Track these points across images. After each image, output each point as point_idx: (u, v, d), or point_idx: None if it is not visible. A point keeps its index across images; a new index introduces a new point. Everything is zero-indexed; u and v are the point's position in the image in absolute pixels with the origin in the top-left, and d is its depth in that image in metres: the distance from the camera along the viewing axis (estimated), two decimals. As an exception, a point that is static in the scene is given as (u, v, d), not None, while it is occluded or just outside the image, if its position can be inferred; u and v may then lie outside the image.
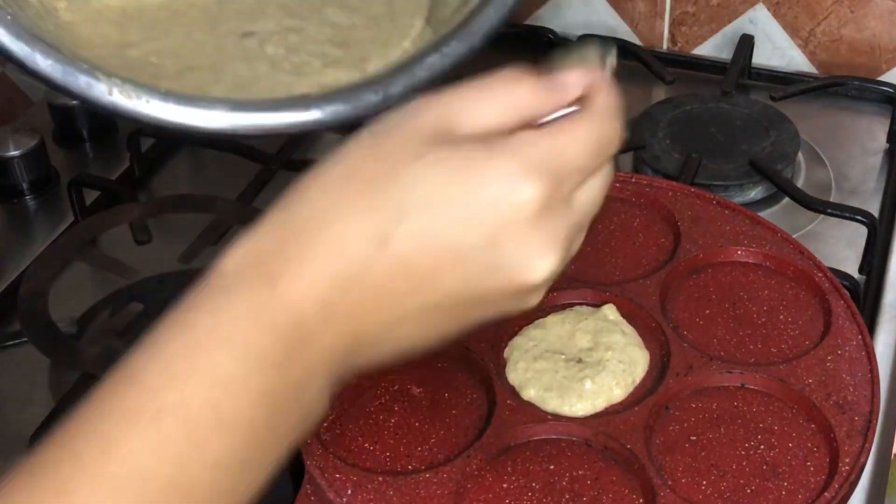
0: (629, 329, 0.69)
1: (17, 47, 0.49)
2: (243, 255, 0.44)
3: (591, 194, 0.48)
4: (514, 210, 0.44)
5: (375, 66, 0.57)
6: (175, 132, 0.52)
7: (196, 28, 0.59)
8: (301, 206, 0.45)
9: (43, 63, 0.50)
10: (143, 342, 0.43)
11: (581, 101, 0.46)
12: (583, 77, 0.47)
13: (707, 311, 0.72)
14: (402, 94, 0.53)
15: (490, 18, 0.54)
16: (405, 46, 0.58)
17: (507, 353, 0.68)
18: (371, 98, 0.52)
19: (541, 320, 0.70)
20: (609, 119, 0.47)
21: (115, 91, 0.50)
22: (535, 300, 0.48)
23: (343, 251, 0.43)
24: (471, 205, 0.44)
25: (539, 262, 0.46)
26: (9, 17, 0.50)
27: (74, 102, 1.02)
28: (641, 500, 0.60)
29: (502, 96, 0.46)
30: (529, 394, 0.65)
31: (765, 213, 0.91)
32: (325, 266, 0.43)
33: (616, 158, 0.49)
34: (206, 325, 0.42)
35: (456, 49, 0.54)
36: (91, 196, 0.94)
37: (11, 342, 0.80)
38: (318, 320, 0.43)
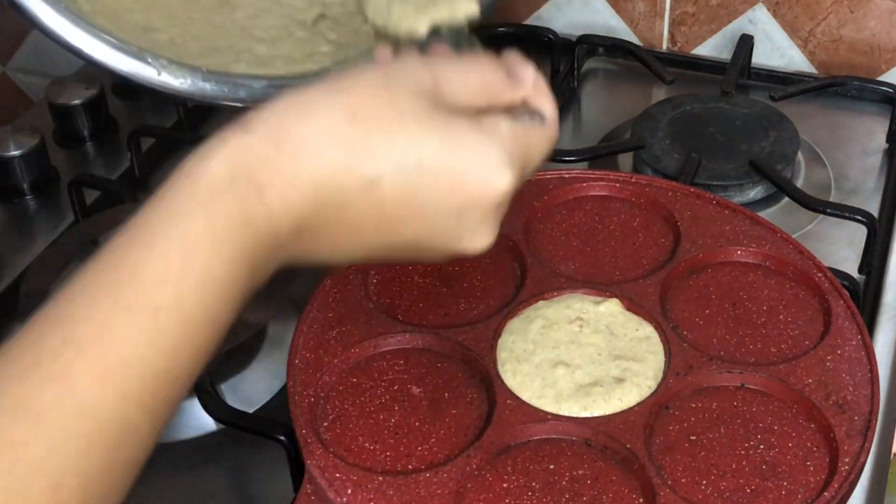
0: (642, 331, 0.69)
1: (75, 36, 0.55)
2: (236, 159, 0.46)
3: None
4: (489, 193, 0.49)
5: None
6: (216, 105, 0.58)
7: (213, 13, 0.63)
8: (299, 124, 0.47)
9: (100, 50, 0.55)
10: (136, 223, 0.44)
11: (534, 101, 0.53)
12: (534, 77, 0.53)
13: (707, 311, 0.72)
14: None
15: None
16: None
17: (498, 350, 0.69)
18: None
19: (535, 310, 0.70)
20: (556, 129, 0.54)
21: (164, 73, 0.56)
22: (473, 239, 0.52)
23: (334, 181, 0.47)
24: (455, 178, 0.48)
25: (483, 238, 0.51)
26: (63, 7, 0.55)
27: (75, 102, 1.02)
28: (641, 500, 0.60)
29: (481, 77, 0.52)
30: (526, 395, 0.66)
31: (765, 213, 0.91)
32: (311, 189, 0.46)
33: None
34: (200, 227, 0.44)
35: None
36: (91, 196, 0.94)
37: (12, 342, 0.80)
38: (289, 235, 0.47)
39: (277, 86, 0.57)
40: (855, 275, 0.85)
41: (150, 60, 0.56)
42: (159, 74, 0.56)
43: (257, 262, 0.46)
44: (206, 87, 0.57)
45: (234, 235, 0.45)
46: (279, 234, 0.46)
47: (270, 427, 0.70)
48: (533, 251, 0.76)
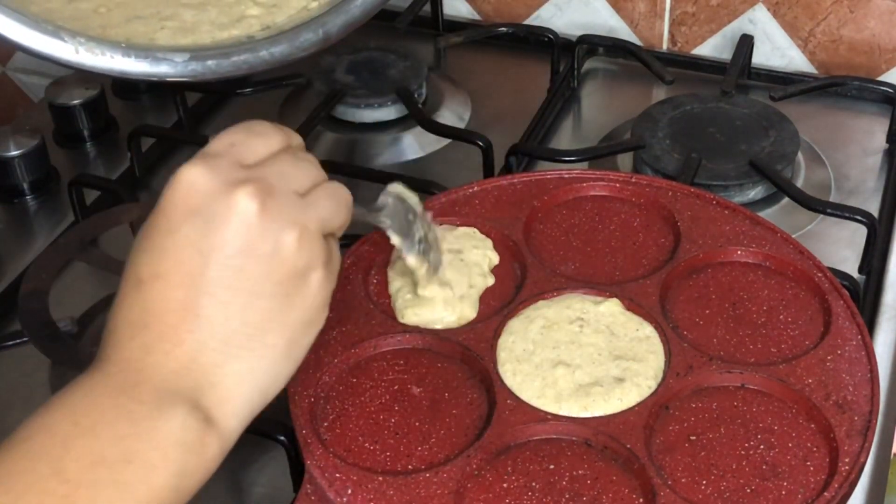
0: (642, 331, 0.69)
1: None
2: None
3: (280, 170, 0.54)
4: (243, 221, 0.52)
5: (319, 2, 0.59)
6: (139, 81, 0.56)
7: None
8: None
9: (11, 28, 0.53)
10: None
11: None
12: None
13: (707, 311, 0.72)
14: (340, 31, 0.57)
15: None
16: None
17: (498, 349, 0.69)
18: (311, 37, 0.57)
19: (532, 311, 0.70)
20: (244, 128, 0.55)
21: (81, 50, 0.54)
22: (316, 278, 0.55)
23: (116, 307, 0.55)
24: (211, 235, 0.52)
25: (285, 237, 0.52)
26: None
27: (75, 102, 1.02)
28: (641, 500, 0.60)
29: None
30: (526, 395, 0.66)
31: (765, 213, 0.91)
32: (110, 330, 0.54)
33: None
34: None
35: None
36: (91, 196, 0.94)
37: (11, 342, 0.80)
38: (137, 356, 0.52)
39: (200, 58, 0.56)
40: (855, 275, 0.85)
41: (66, 39, 0.53)
42: (77, 53, 0.54)
43: (122, 388, 0.51)
44: (125, 64, 0.55)
45: (83, 382, 0.52)
46: (128, 363, 0.52)
47: (270, 427, 0.70)
48: (533, 251, 0.76)
